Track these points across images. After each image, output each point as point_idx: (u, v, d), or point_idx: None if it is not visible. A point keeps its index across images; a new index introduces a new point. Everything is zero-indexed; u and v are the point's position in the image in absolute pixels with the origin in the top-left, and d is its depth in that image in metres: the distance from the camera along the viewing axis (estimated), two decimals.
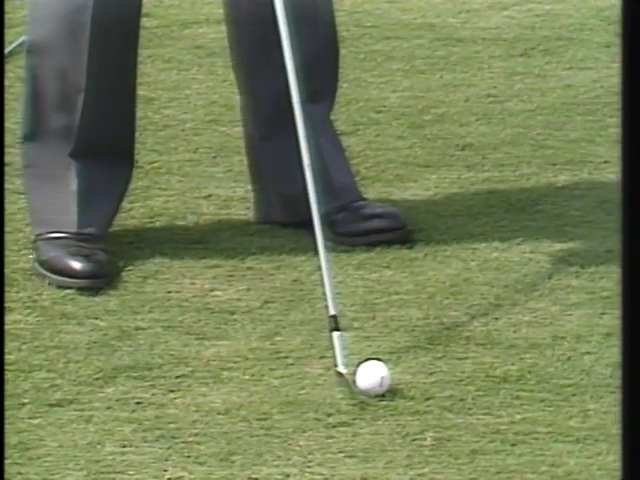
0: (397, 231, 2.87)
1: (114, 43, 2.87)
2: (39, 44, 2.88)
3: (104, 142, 2.88)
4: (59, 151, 2.87)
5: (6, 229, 2.93)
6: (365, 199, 2.91)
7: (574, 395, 2.38)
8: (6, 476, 2.20)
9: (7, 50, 3.09)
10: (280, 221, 2.91)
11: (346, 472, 2.19)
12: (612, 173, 3.21)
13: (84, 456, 2.24)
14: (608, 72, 3.87)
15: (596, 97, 3.61)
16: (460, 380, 2.43)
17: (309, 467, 2.20)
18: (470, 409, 2.36)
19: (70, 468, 2.21)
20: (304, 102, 2.81)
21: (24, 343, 2.57)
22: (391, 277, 2.77)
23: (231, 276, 2.80)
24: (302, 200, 2.76)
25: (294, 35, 2.82)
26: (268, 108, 2.95)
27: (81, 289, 2.73)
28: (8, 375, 2.45)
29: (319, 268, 2.61)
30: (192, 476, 2.19)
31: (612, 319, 2.65)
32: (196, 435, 2.30)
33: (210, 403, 2.38)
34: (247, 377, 2.45)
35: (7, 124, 3.11)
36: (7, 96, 3.11)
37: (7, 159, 3.06)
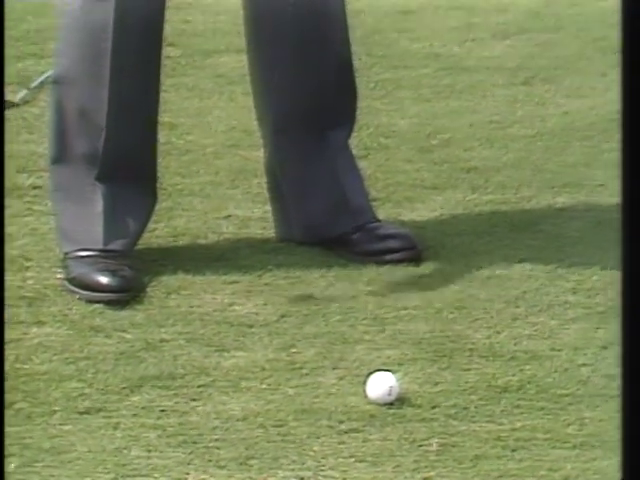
0: (409, 251, 2.88)
1: (135, 71, 2.89)
2: (63, 74, 2.89)
3: (128, 166, 2.90)
4: (85, 175, 2.88)
5: (38, 248, 3.00)
6: (379, 220, 2.93)
7: (571, 404, 2.40)
8: (38, 478, 2.19)
9: (39, 80, 3.11)
10: (299, 240, 2.91)
11: (357, 476, 2.20)
12: (608, 196, 3.21)
13: (112, 460, 2.25)
14: (604, 100, 3.87)
15: (592, 124, 3.59)
16: (464, 390, 2.45)
17: (322, 471, 2.21)
18: (473, 417, 2.37)
19: (99, 471, 2.22)
20: (324, 128, 2.90)
21: (55, 354, 2.59)
22: (400, 293, 2.78)
23: (249, 291, 2.81)
24: (321, 222, 2.85)
25: (313, 62, 2.89)
26: (288, 132, 2.94)
27: (108, 303, 2.74)
28: (40, 384, 2.48)
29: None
30: (213, 479, 2.21)
31: (607, 333, 2.66)
32: (216, 441, 2.31)
33: (229, 411, 2.39)
34: (264, 386, 2.46)
35: (39, 149, 3.17)
36: (39, 124, 3.17)
37: (39, 182, 3.16)
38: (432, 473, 2.19)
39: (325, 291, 2.75)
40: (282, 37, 2.92)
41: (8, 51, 3.82)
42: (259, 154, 3.05)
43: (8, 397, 2.40)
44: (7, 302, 2.68)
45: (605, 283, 2.83)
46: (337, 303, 2.71)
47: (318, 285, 2.78)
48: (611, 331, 2.67)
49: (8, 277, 2.77)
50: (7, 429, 2.20)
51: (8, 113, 3.00)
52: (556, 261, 2.91)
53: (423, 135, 3.48)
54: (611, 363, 2.54)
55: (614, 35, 4.27)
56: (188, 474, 2.21)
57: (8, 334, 2.54)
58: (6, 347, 2.47)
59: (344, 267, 2.82)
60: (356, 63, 2.98)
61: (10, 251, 2.98)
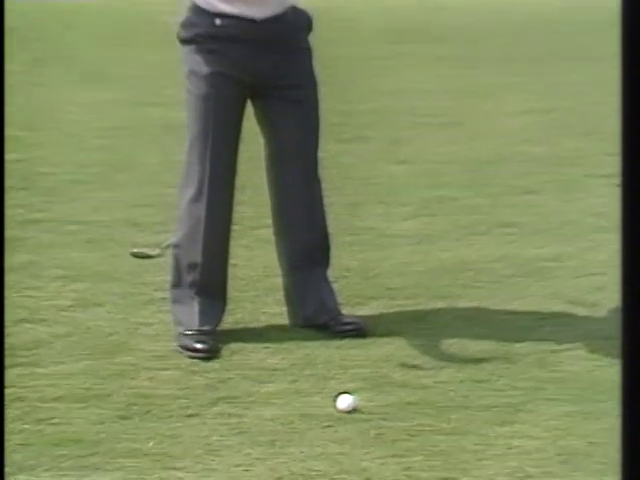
0: (359, 330, 2.79)
1: (217, 239, 2.80)
2: (178, 241, 2.83)
3: (212, 287, 2.82)
4: (189, 292, 2.79)
5: (165, 329, 2.88)
6: (343, 314, 2.84)
7: (445, 412, 2.39)
8: (157, 457, 2.21)
9: (166, 243, 3.03)
10: (302, 325, 2.81)
11: (331, 450, 2.24)
12: (468, 301, 3.07)
13: (201, 442, 2.28)
14: (455, 248, 3.58)
15: (454, 269, 3.36)
16: (388, 404, 2.43)
17: (312, 447, 2.25)
18: (392, 419, 2.36)
19: (195, 449, 2.25)
20: (314, 266, 2.83)
21: (173, 385, 2.57)
22: (353, 353, 2.71)
23: (275, 351, 2.74)
24: (313, 315, 2.79)
25: (305, 234, 2.82)
26: (294, 268, 2.86)
27: (201, 359, 2.70)
28: (164, 401, 2.46)
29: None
30: (256, 452, 2.23)
31: (465, 373, 2.60)
32: (257, 431, 2.32)
33: (265, 415, 2.40)
34: (282, 402, 2.46)
35: (167, 278, 2.99)
36: (166, 266, 2.98)
37: (165, 295, 2.98)
38: (371, 449, 2.23)
39: (315, 351, 2.69)
40: (292, 221, 2.84)
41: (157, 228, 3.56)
42: (279, 280, 2.97)
43: (147, 408, 2.44)
44: (146, 359, 2.70)
45: (462, 347, 2.75)
46: (321, 357, 2.66)
47: (311, 347, 2.71)
48: (465, 372, 2.62)
49: (151, 348, 2.77)
50: (148, 424, 2.34)
51: (150, 261, 3.14)
52: (436, 336, 2.81)
53: (363, 271, 3.34)
54: (465, 391, 2.51)
55: (467, 216, 3.99)
56: (242, 450, 2.23)
57: (145, 374, 2.62)
58: (146, 383, 2.59)
59: (325, 339, 2.76)
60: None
61: (150, 332, 2.91)
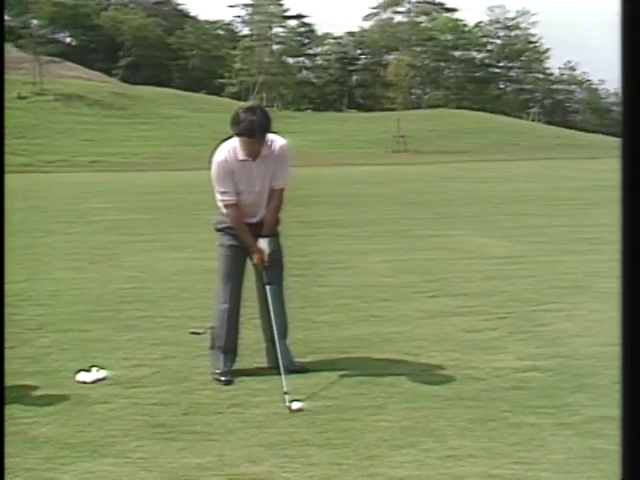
0: (303, 369, 2.86)
1: (233, 325, 2.87)
2: (213, 325, 2.89)
3: (230, 349, 2.92)
4: (218, 351, 2.91)
5: (205, 370, 2.89)
6: (294, 360, 2.90)
7: (345, 409, 2.44)
8: (202, 434, 2.14)
9: (207, 326, 2.98)
10: (274, 366, 2.85)
11: (290, 430, 2.28)
12: (357, 355, 3.08)
13: (224, 426, 2.29)
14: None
15: (351, 339, 3.40)
16: (317, 406, 2.48)
17: (280, 429, 2.30)
18: (320, 413, 2.39)
19: (221, 429, 2.25)
20: (280, 338, 2.88)
21: (210, 398, 2.62)
22: (300, 380, 2.76)
23: (263, 380, 2.82)
24: (279, 362, 2.79)
25: (275, 318, 2.80)
26: (271, 342, 2.92)
27: (224, 384, 2.78)
28: (205, 405, 2.46)
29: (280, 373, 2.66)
30: (251, 431, 2.26)
31: (354, 390, 2.62)
32: (253, 421, 2.35)
33: (256, 412, 2.45)
34: (265, 405, 2.50)
35: (206, 343, 3.00)
36: (207, 339, 3.01)
37: (205, 352, 2.99)
38: (309, 429, 2.27)
39: (281, 380, 2.66)
40: (270, 314, 2.83)
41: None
42: (263, 345, 2.99)
43: (198, 409, 2.37)
44: (197, 384, 2.62)
45: (353, 377, 2.78)
46: (284, 382, 2.64)
47: (278, 378, 2.71)
48: (354, 390, 2.63)
49: (200, 379, 2.67)
50: (198, 417, 2.26)
51: (200, 336, 3.16)
52: (342, 372, 2.87)
53: (304, 340, 3.28)
54: (355, 399, 2.51)
55: (352, 311, 3.91)
56: (244, 430, 2.23)
57: (196, 392, 2.55)
58: (196, 396, 2.51)
59: (286, 373, 2.72)
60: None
61: (200, 371, 2.93)
